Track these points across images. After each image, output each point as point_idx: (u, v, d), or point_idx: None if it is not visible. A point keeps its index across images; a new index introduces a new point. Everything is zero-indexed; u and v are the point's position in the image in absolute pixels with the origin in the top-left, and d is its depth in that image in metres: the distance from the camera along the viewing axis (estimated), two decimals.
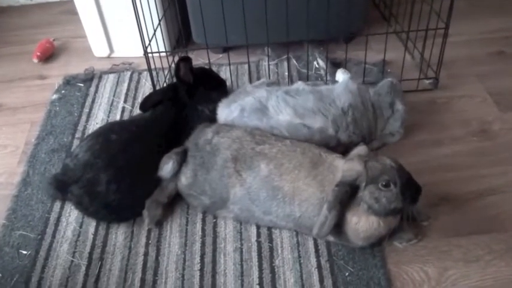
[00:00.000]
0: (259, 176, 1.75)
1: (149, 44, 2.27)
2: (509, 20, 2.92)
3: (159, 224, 1.89)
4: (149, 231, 1.88)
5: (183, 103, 2.14)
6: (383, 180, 1.57)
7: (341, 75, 2.33)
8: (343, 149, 1.88)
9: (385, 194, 1.57)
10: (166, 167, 1.87)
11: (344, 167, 1.65)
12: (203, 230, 1.87)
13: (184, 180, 1.87)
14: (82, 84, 2.61)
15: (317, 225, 1.62)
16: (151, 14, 2.33)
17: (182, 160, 1.88)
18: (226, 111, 2.05)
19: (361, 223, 1.63)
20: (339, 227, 1.65)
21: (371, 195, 1.58)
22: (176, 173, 1.88)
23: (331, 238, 1.76)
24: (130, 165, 1.86)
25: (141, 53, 2.26)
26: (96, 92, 2.56)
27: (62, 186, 1.88)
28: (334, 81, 2.33)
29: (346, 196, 1.59)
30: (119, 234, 1.87)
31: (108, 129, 1.99)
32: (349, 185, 1.60)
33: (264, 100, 2.02)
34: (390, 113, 2.10)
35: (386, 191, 1.57)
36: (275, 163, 1.76)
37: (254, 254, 1.77)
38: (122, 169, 1.84)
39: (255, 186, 1.76)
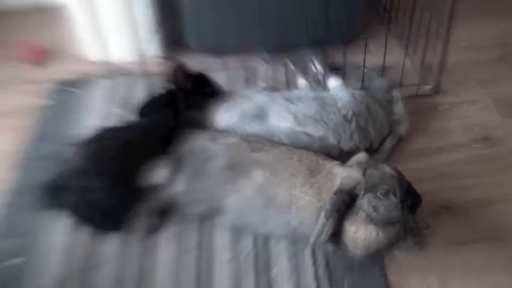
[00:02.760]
0: (255, 184, 1.72)
1: (144, 49, 2.25)
2: (510, 26, 2.91)
3: (154, 233, 1.85)
4: (143, 238, 1.84)
5: (179, 109, 2.11)
6: (382, 189, 1.54)
7: (333, 83, 2.31)
8: (345, 158, 1.86)
9: (384, 203, 1.54)
10: (159, 174, 1.84)
11: (343, 175, 1.62)
12: (199, 239, 1.84)
13: (179, 187, 1.84)
14: (75, 90, 2.58)
15: (314, 233, 1.59)
16: (146, 18, 2.32)
17: (176, 167, 1.85)
18: (226, 116, 2.04)
19: (360, 232, 1.61)
20: (337, 236, 1.62)
21: (369, 204, 1.56)
22: (169, 180, 1.85)
23: (329, 248, 1.72)
24: (125, 171, 1.83)
25: (135, 57, 2.23)
26: (89, 97, 2.53)
27: (56, 195, 1.84)
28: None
29: (344, 204, 1.56)
30: (112, 242, 1.84)
31: (102, 136, 1.96)
32: (347, 193, 1.57)
33: (265, 106, 2.01)
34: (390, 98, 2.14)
35: (385, 200, 1.54)
36: (271, 171, 1.73)
37: (250, 265, 1.74)
38: (116, 176, 1.81)
39: (250, 194, 1.72)
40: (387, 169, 1.58)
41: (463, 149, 2.13)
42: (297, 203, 1.67)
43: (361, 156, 1.68)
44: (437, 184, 1.95)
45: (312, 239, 1.60)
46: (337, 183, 1.61)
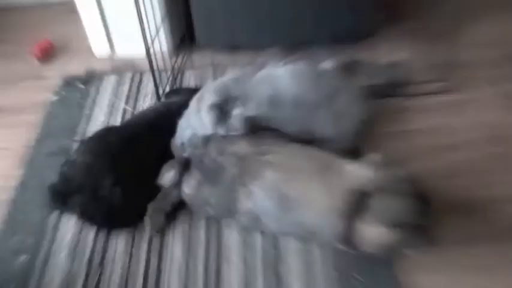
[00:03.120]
0: (266, 186, 1.72)
1: (151, 45, 2.23)
2: None
3: (162, 231, 1.84)
4: (151, 237, 1.84)
5: None
6: (393, 191, 1.55)
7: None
8: None
9: (395, 204, 1.55)
10: (167, 176, 1.84)
11: (355, 173, 1.62)
12: (207, 236, 1.83)
13: (187, 190, 1.83)
14: (82, 85, 2.57)
15: (327, 232, 1.62)
16: (154, 13, 2.31)
17: (184, 170, 1.84)
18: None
19: (370, 232, 1.60)
20: (349, 236, 1.63)
21: (380, 205, 1.56)
22: (176, 182, 1.84)
23: (340, 245, 1.72)
24: (132, 165, 1.83)
25: (143, 53, 2.22)
26: (96, 93, 2.52)
27: (63, 198, 1.84)
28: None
29: (359, 203, 1.57)
30: (119, 240, 1.83)
31: (105, 133, 1.97)
32: (359, 192, 1.57)
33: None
34: None
35: (396, 201, 1.55)
36: (281, 171, 1.73)
37: (259, 262, 1.73)
38: (124, 172, 1.81)
39: (263, 196, 1.71)
40: (400, 171, 1.58)
41: (473, 147, 2.11)
42: (307, 201, 1.67)
43: (374, 156, 1.67)
44: (447, 183, 1.93)
45: (326, 238, 1.64)
46: (348, 181, 1.61)
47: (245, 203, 1.74)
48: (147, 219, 1.84)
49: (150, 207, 1.85)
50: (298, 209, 1.68)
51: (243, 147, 1.83)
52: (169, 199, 1.87)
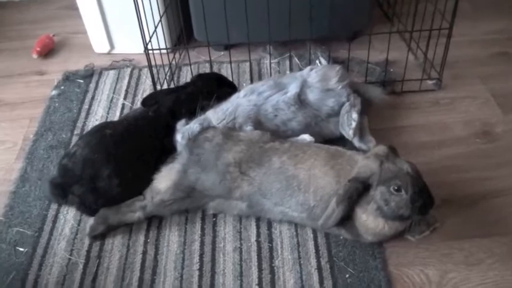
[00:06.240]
0: (271, 170, 1.74)
1: (150, 41, 2.26)
2: None
3: (96, 238, 1.83)
4: (148, 229, 1.86)
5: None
6: (395, 184, 1.55)
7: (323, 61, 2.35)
8: None
9: (395, 198, 1.56)
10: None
11: (361, 163, 1.64)
12: (202, 229, 1.85)
13: (165, 184, 1.81)
14: (82, 81, 2.59)
15: (324, 216, 1.62)
16: (152, 10, 2.33)
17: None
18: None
19: (369, 221, 1.64)
20: (351, 222, 1.66)
21: (381, 197, 1.58)
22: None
23: (343, 232, 1.75)
24: (129, 157, 1.86)
25: (141, 49, 2.24)
26: (95, 88, 2.54)
27: (62, 190, 1.86)
28: None
29: (357, 193, 1.59)
30: (117, 232, 1.85)
31: (103, 126, 1.99)
32: (361, 182, 1.59)
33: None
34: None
35: (397, 195, 1.56)
36: (288, 155, 1.75)
37: (253, 254, 1.76)
38: (121, 162, 1.83)
39: (266, 180, 1.74)
40: (405, 166, 1.59)
41: (464, 143, 2.14)
42: (316, 182, 1.69)
43: (380, 148, 1.68)
44: (438, 178, 1.94)
45: (320, 221, 1.63)
46: (355, 169, 1.63)
47: (247, 189, 1.75)
48: (90, 222, 1.82)
49: (100, 211, 1.83)
50: (305, 189, 1.70)
51: (244, 135, 1.86)
52: (120, 217, 1.84)
